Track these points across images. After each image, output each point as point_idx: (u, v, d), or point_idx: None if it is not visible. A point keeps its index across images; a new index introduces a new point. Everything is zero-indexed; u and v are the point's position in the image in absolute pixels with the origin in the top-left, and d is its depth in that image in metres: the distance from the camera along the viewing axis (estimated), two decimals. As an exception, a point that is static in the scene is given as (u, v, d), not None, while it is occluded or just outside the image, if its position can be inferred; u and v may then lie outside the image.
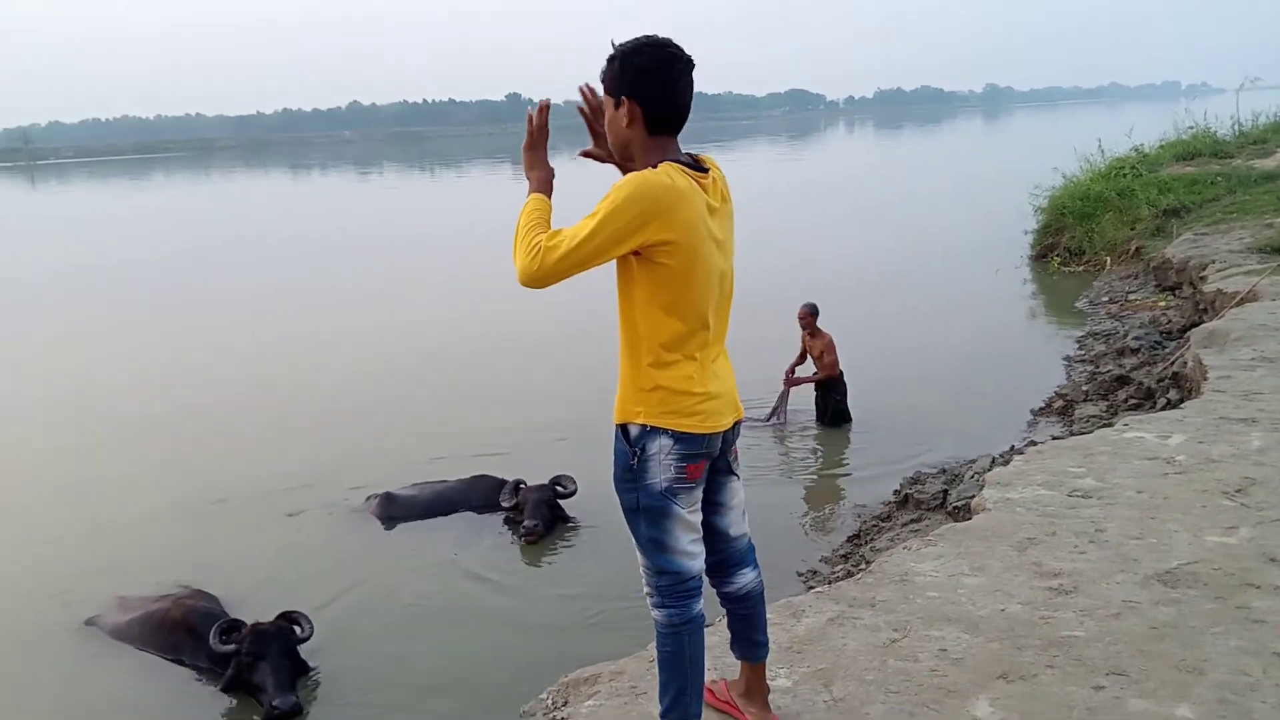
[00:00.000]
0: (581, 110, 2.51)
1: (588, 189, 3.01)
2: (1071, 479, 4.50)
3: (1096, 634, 3.18)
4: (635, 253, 2.30)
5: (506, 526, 6.30)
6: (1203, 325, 7.39)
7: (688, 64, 2.35)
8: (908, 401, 8.24)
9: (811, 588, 4.86)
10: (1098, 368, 8.32)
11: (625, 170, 2.43)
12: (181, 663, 4.87)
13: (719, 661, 3.07)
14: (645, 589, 2.54)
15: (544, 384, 9.45)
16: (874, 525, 5.91)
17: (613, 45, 2.38)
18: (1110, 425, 5.62)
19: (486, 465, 6.98)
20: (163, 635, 4.96)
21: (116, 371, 10.86)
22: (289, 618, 4.68)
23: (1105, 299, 10.98)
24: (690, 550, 2.48)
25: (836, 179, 31.16)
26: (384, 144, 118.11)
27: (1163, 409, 6.35)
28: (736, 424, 2.54)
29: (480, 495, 6.59)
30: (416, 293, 15.14)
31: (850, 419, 7.77)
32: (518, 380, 9.74)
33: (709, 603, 2.61)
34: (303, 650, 4.65)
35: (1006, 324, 10.99)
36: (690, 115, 2.42)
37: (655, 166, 2.32)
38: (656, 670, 2.59)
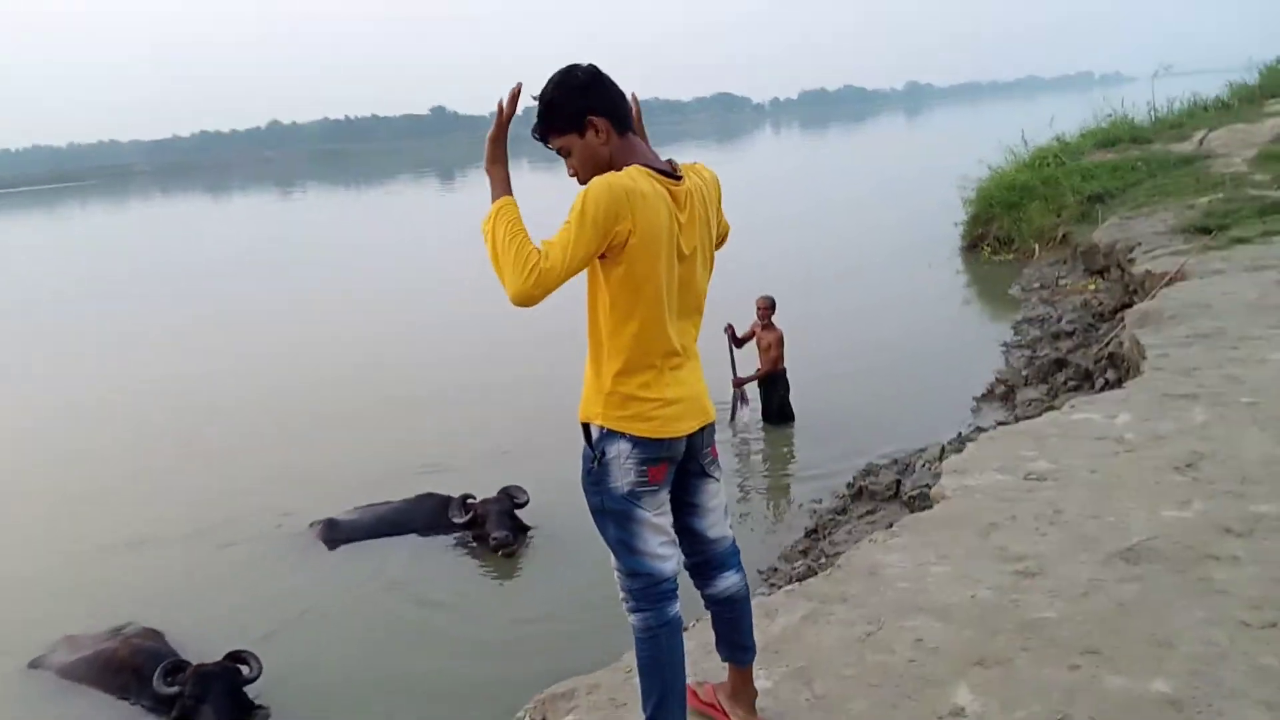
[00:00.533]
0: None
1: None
2: (1026, 463, 4.53)
3: (1066, 614, 3.19)
4: (601, 256, 2.29)
5: (457, 544, 6.14)
6: (1136, 306, 7.55)
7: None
8: (850, 397, 8.24)
9: (775, 585, 4.83)
10: (1035, 352, 8.47)
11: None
12: (129, 702, 4.67)
13: (702, 665, 3.00)
14: (620, 593, 2.50)
15: (482, 398, 9.20)
16: (830, 519, 5.90)
17: (533, 98, 2.36)
18: (1055, 408, 5.69)
19: (429, 483, 6.78)
20: (109, 675, 4.78)
21: (35, 410, 10.39)
22: (236, 657, 4.51)
23: (1037, 285, 11.19)
24: (660, 553, 2.45)
25: (765, 180, 31.35)
26: (307, 162, 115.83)
27: (1101, 389, 6.46)
28: (706, 428, 2.51)
29: (426, 514, 6.39)
30: (331, 312, 14.65)
31: (793, 416, 7.76)
32: (457, 395, 9.48)
33: (687, 605, 2.55)
34: (253, 688, 4.47)
35: (942, 314, 11.09)
36: None
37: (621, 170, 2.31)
38: (635, 680, 2.54)
